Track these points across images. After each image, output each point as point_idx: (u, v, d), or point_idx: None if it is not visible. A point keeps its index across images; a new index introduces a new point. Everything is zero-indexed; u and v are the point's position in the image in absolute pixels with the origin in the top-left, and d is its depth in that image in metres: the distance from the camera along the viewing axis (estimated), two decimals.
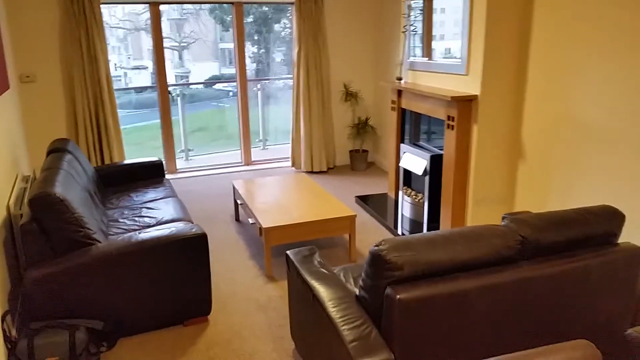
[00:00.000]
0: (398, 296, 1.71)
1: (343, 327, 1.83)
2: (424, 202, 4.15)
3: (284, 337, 2.78)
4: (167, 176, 5.36)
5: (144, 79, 9.54)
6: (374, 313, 1.86)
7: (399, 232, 4.16)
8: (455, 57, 3.88)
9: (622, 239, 2.63)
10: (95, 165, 5.00)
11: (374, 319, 1.86)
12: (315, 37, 5.70)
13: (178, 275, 2.78)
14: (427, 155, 4.00)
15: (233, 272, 3.56)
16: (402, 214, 4.47)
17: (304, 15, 5.60)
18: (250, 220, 3.78)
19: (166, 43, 5.70)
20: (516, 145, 3.73)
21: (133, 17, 8.56)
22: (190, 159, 6.82)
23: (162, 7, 5.51)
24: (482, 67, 3.53)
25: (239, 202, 4.34)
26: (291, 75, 5.96)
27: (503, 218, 2.09)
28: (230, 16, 5.88)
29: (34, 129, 5.08)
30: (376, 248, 1.79)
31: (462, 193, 3.83)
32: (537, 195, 3.58)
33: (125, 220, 3.34)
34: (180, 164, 6.21)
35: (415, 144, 4.50)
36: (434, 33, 4.24)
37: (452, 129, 3.73)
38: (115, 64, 8.93)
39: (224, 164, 6.31)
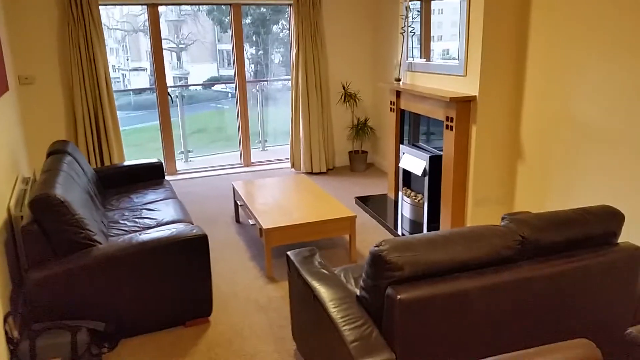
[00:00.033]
0: (399, 296, 1.72)
1: (344, 328, 1.83)
2: (423, 203, 4.16)
3: (285, 338, 2.79)
4: (167, 177, 5.36)
5: (143, 80, 9.55)
6: (375, 313, 1.87)
7: (399, 232, 4.17)
8: (453, 58, 3.89)
9: (622, 238, 2.65)
10: (94, 167, 5.00)
11: (375, 319, 1.86)
12: (314, 38, 5.71)
13: (179, 276, 2.78)
14: (427, 156, 4.02)
15: (234, 273, 3.57)
16: (402, 215, 4.49)
17: (302, 17, 5.61)
18: (251, 222, 3.79)
19: (164, 44, 5.71)
20: (515, 146, 3.75)
21: (131, 18, 8.56)
22: (190, 161, 6.83)
23: (160, 9, 5.52)
24: (480, 67, 3.55)
25: (239, 203, 4.34)
26: (289, 77, 5.97)
27: (503, 218, 2.10)
28: (228, 17, 5.89)
29: (33, 130, 5.09)
30: (376, 248, 1.80)
31: (462, 193, 3.84)
32: (537, 196, 3.59)
33: (126, 222, 3.35)
34: (179, 165, 6.22)
35: (414, 144, 4.51)
36: (432, 34, 4.26)
37: (451, 129, 3.74)
38: (113, 66, 8.93)
39: (224, 165, 6.32)
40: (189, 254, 2.78)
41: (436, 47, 4.22)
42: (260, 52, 8.21)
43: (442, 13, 4.12)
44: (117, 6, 6.43)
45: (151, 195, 3.89)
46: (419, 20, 4.41)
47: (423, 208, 4.16)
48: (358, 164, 6.16)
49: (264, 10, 7.69)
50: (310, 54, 5.73)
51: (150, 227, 3.24)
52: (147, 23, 5.54)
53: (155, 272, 2.72)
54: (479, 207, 3.82)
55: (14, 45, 4.88)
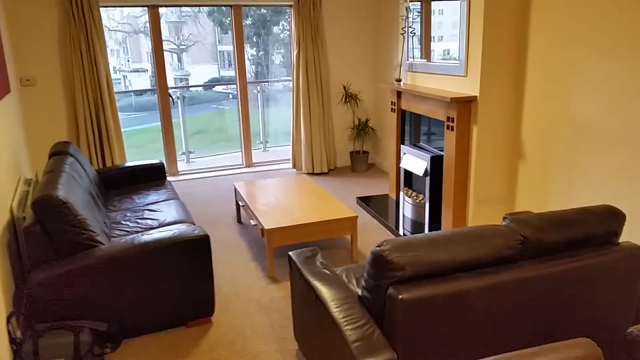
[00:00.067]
0: (400, 296, 1.72)
1: (346, 327, 1.84)
2: (424, 203, 4.17)
3: (287, 338, 2.80)
4: (169, 178, 5.38)
5: (144, 81, 9.56)
6: (377, 313, 1.87)
7: (401, 232, 4.18)
8: (453, 59, 3.90)
9: (623, 238, 2.65)
10: (96, 168, 5.01)
11: (377, 319, 1.87)
12: (314, 39, 5.72)
13: (181, 276, 2.79)
14: (428, 156, 4.02)
15: (236, 274, 3.58)
16: (403, 215, 4.49)
17: (303, 17, 5.62)
18: (252, 222, 3.79)
19: (165, 46, 5.72)
20: (516, 146, 3.75)
21: (132, 20, 8.57)
22: (191, 161, 6.84)
23: (160, 10, 5.53)
24: (480, 68, 3.55)
25: (240, 203, 4.35)
26: (290, 78, 5.98)
27: (504, 218, 2.10)
28: (229, 19, 5.90)
29: (35, 132, 5.10)
30: (378, 248, 1.81)
31: (463, 193, 3.85)
32: (538, 195, 3.59)
33: (128, 223, 3.35)
34: (181, 166, 6.23)
35: (415, 145, 4.52)
36: (432, 35, 4.27)
37: (452, 129, 3.75)
38: (114, 67, 8.94)
39: (225, 166, 6.33)
40: (191, 255, 2.79)
41: (436, 48, 4.23)
42: (261, 53, 8.22)
43: (442, 13, 4.13)
44: (117, 8, 6.45)
45: (153, 196, 3.90)
46: (419, 20, 4.42)
47: (424, 208, 4.16)
48: (359, 164, 6.17)
49: (265, 11, 7.70)
50: (311, 54, 5.74)
51: (152, 228, 3.25)
52: (147, 24, 5.56)
53: (158, 273, 2.73)
54: (480, 207, 3.82)
55: (15, 47, 4.90)
